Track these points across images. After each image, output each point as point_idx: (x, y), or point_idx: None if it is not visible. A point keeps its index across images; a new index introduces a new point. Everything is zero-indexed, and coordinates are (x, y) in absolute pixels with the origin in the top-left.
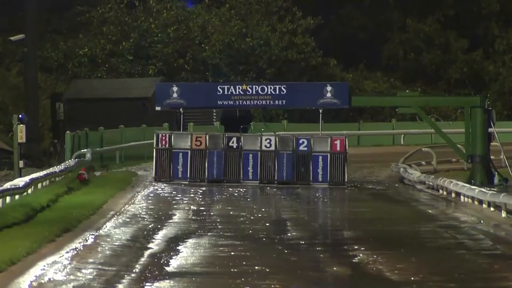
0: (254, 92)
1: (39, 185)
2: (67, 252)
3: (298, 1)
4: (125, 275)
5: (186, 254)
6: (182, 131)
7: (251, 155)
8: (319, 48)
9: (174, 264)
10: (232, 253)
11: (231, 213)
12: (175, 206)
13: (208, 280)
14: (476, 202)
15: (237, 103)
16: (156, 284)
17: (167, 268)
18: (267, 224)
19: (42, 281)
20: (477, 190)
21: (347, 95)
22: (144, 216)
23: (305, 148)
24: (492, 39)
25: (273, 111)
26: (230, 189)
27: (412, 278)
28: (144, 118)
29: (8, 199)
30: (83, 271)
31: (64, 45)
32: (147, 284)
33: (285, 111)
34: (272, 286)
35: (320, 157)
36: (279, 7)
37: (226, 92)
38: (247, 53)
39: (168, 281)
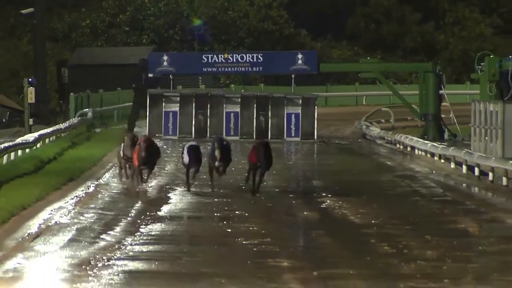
0: (234, 60)
1: (47, 140)
2: (71, 199)
3: None
4: (122, 219)
5: (175, 201)
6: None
7: (232, 114)
8: (292, 20)
9: (165, 209)
10: (215, 200)
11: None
12: (166, 159)
13: (194, 223)
14: (428, 155)
15: (220, 70)
16: (149, 226)
17: (159, 213)
18: (246, 174)
19: (50, 224)
20: (429, 144)
21: (316, 62)
22: None
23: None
24: (442, 12)
25: (252, 76)
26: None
27: (373, 221)
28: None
29: (19, 152)
30: (85, 215)
31: (68, 18)
32: (141, 226)
33: (262, 76)
34: (251, 228)
35: (293, 115)
36: None
37: (210, 61)
38: (228, 25)
39: (159, 224)
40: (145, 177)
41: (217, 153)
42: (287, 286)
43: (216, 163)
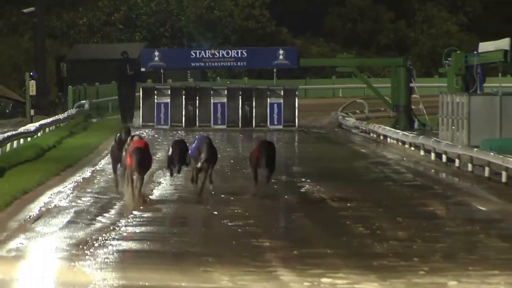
0: (220, 56)
1: (47, 130)
2: (70, 184)
3: None
4: (117, 202)
5: (166, 185)
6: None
7: (219, 104)
8: (274, 18)
9: (156, 193)
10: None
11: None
12: (157, 147)
13: (183, 206)
14: (400, 143)
15: (207, 64)
16: (142, 209)
17: (150, 196)
18: (232, 161)
19: (49, 207)
20: (400, 133)
21: (296, 57)
22: None
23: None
24: (413, 11)
25: (236, 70)
26: (203, 133)
27: (348, 204)
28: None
29: (21, 141)
30: (83, 199)
31: (66, 17)
32: (134, 209)
33: (246, 70)
34: (235, 211)
35: (275, 105)
36: None
37: (198, 56)
38: (215, 23)
39: (151, 207)
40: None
41: (202, 155)
42: (269, 265)
43: (199, 164)
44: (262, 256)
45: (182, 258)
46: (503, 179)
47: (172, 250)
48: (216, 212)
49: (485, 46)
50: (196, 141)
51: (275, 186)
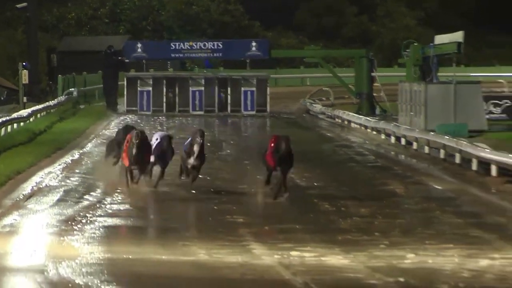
0: (198, 47)
1: (38, 115)
2: (59, 165)
3: None
4: (102, 181)
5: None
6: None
7: (197, 92)
8: (247, 13)
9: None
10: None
11: (181, 136)
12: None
13: (164, 186)
14: (362, 128)
15: (186, 55)
16: (126, 188)
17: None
18: (208, 144)
19: (41, 186)
20: (363, 118)
21: (268, 48)
22: None
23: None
24: (375, 6)
25: (213, 60)
26: (182, 118)
27: (316, 184)
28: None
29: (15, 125)
30: (71, 179)
31: (57, 11)
32: (119, 187)
33: (221, 61)
34: (212, 190)
35: (249, 92)
36: None
37: (177, 47)
38: (193, 17)
39: (134, 186)
40: (135, 179)
41: (195, 148)
42: (242, 239)
43: (191, 160)
44: (236, 232)
45: (163, 234)
46: (457, 160)
47: (154, 226)
48: (194, 191)
49: (440, 39)
50: (189, 137)
51: (248, 167)
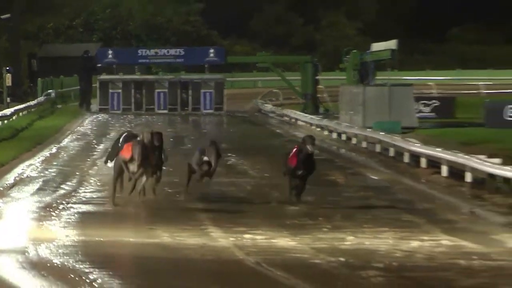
0: (162, 54)
1: (20, 114)
2: (39, 158)
3: None
4: (77, 172)
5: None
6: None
7: (162, 93)
8: (206, 23)
9: (110, 164)
10: None
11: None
12: (110, 128)
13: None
14: (308, 125)
15: (151, 61)
16: (98, 178)
17: (103, 168)
18: (171, 139)
19: (23, 177)
20: (308, 117)
21: (224, 55)
22: (90, 134)
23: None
24: (319, 17)
25: (175, 65)
26: (148, 116)
27: (266, 174)
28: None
29: (0, 123)
30: (50, 170)
31: (37, 21)
32: (91, 177)
33: (183, 66)
34: (174, 180)
35: (207, 93)
36: None
37: (143, 54)
38: (158, 27)
39: (106, 176)
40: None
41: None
42: (201, 223)
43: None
44: (196, 217)
45: (131, 218)
46: (391, 154)
47: (123, 212)
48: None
49: (376, 46)
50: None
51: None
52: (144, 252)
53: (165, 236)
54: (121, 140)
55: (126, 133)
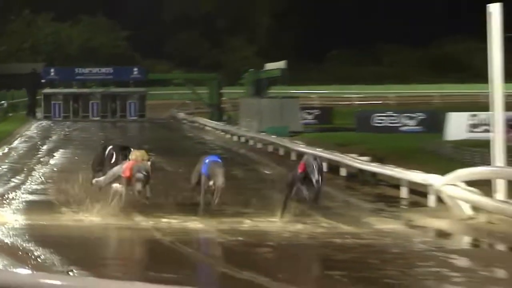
0: (95, 72)
1: None
2: None
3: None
4: (25, 168)
5: (58, 157)
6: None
7: (95, 104)
8: (131, 46)
9: (52, 162)
10: (78, 152)
11: (82, 135)
12: (52, 132)
13: (73, 171)
14: (214, 130)
15: (86, 78)
16: (42, 172)
17: (47, 165)
18: (102, 141)
19: None
20: (214, 123)
21: (145, 73)
22: (35, 137)
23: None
24: (223, 42)
25: (106, 81)
26: (83, 123)
27: (180, 170)
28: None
29: None
30: (2, 167)
31: None
32: (37, 172)
33: (113, 82)
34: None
35: (132, 104)
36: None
37: (80, 72)
38: (92, 50)
39: (49, 171)
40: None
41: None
42: (127, 209)
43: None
44: (124, 205)
45: (69, 206)
46: (281, 153)
47: (66, 200)
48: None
49: (269, 66)
50: (205, 164)
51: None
52: (80, 233)
53: (97, 220)
54: (107, 152)
55: (111, 146)
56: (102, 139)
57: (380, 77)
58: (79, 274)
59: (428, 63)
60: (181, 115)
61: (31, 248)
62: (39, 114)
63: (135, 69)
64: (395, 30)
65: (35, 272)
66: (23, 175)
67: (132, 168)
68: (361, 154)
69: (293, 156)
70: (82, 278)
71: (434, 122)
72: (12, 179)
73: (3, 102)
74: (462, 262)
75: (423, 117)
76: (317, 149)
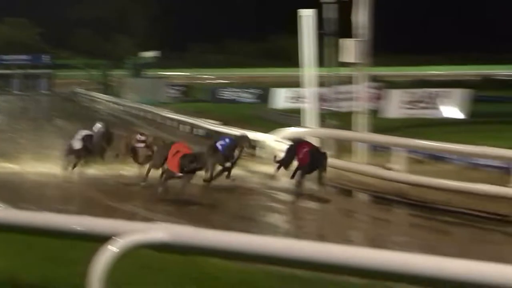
0: (16, 58)
1: None
2: None
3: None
4: None
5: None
6: None
7: (16, 82)
8: (42, 39)
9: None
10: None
11: (4, 104)
12: None
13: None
14: (104, 101)
15: (10, 63)
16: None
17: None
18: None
19: None
20: (105, 96)
21: (53, 59)
22: None
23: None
24: (111, 36)
25: (25, 65)
26: (8, 96)
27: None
28: None
29: None
30: None
31: None
32: None
33: (30, 65)
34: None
35: (43, 81)
36: None
37: (5, 58)
38: (15, 43)
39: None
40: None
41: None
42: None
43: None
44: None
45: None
46: (150, 117)
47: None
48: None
49: (145, 54)
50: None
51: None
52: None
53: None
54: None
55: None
56: (21, 107)
57: (227, 63)
58: None
59: (263, 53)
60: (80, 90)
61: None
62: None
63: (47, 56)
64: (239, 28)
65: None
66: None
67: None
68: (213, 119)
69: (159, 119)
70: None
71: (266, 96)
72: None
73: None
74: (284, 197)
75: (259, 92)
76: (178, 114)
